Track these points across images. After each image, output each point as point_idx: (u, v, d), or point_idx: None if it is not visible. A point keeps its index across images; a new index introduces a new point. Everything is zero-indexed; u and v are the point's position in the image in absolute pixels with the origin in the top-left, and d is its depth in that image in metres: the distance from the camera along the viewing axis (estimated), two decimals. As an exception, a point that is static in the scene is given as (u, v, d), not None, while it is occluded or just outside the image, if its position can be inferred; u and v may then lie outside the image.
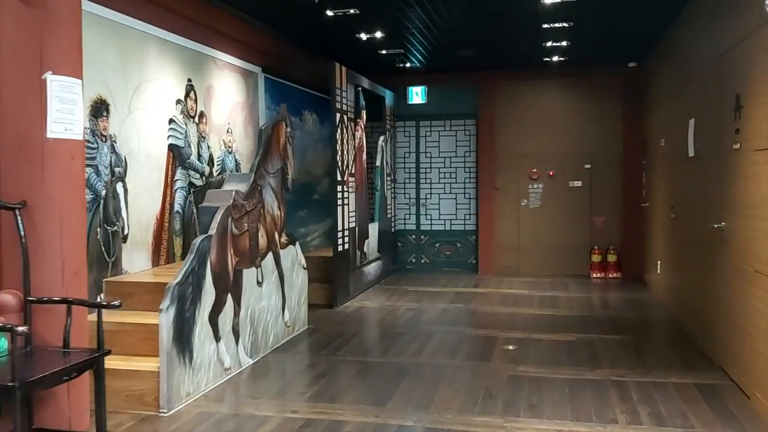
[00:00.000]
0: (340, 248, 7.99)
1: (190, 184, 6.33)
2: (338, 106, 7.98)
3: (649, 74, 9.54)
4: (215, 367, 4.94)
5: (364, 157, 9.25)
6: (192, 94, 6.38)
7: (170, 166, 6.03)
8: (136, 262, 5.52)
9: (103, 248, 5.09)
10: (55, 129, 3.77)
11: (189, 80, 6.35)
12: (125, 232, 5.35)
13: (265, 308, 5.81)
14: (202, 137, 6.57)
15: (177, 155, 6.12)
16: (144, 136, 5.62)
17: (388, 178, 10.45)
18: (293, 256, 6.49)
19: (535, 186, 10.76)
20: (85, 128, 4.87)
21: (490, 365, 5.52)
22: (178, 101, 6.17)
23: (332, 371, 5.34)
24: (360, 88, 8.96)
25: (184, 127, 6.23)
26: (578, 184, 10.62)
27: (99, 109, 5.04)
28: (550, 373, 5.24)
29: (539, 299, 8.57)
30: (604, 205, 10.55)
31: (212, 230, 4.95)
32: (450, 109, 11.05)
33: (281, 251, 6.18)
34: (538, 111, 10.72)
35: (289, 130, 6.27)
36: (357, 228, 8.75)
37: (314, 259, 8.83)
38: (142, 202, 5.62)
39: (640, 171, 10.03)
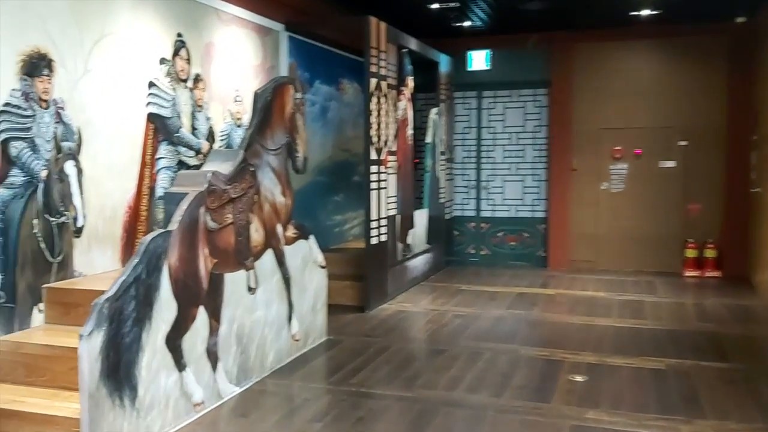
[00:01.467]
0: (374, 240, 6.69)
1: (180, 163, 5.16)
2: (374, 69, 6.64)
3: (763, 31, 7.73)
4: (178, 404, 3.76)
5: (409, 131, 7.87)
6: (183, 53, 5.18)
7: (150, 141, 4.87)
8: (96, 261, 4.40)
9: (42, 245, 3.98)
10: None
11: (179, 35, 5.15)
12: (78, 223, 4.22)
13: (260, 320, 4.59)
14: (197, 106, 5.38)
15: (160, 127, 4.95)
16: (108, 102, 4.46)
17: (442, 157, 9.04)
18: (305, 253, 5.24)
19: (618, 167, 9.12)
20: (14, 89, 3.75)
21: (548, 409, 4.12)
22: (163, 61, 4.98)
23: (336, 410, 4.07)
24: (405, 51, 7.58)
25: (170, 92, 5.04)
26: (670, 164, 8.91)
27: (36, 65, 3.90)
28: (631, 426, 3.81)
29: (619, 305, 7.02)
30: (702, 191, 8.81)
31: (172, 225, 3.74)
32: (517, 77, 9.49)
33: (287, 248, 4.93)
34: (623, 78, 9.04)
35: (299, 95, 4.99)
36: (399, 216, 7.42)
37: (347, 252, 7.61)
38: (107, 185, 4.49)
39: (748, 150, 8.25)
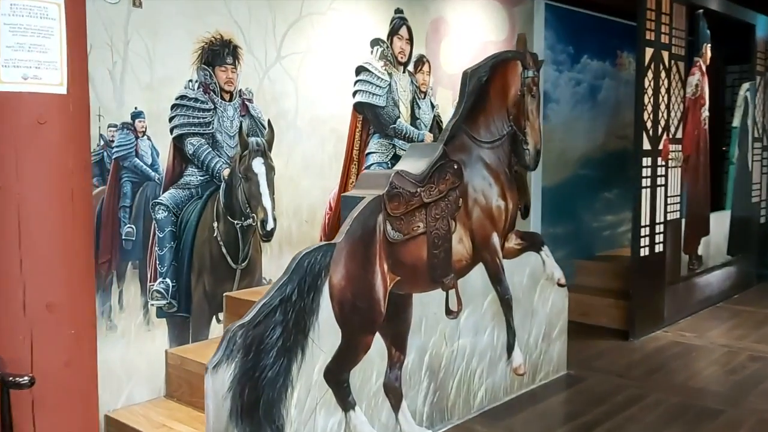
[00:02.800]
0: (644, 251, 5.36)
1: (397, 158, 4.54)
2: (649, 37, 5.27)
3: None
4: (342, 449, 3.15)
5: (704, 113, 6.22)
6: (403, 31, 4.54)
7: (358, 134, 4.33)
8: (288, 267, 3.99)
9: (225, 250, 3.66)
10: (6, 76, 2.37)
11: (398, 11, 4.51)
12: (268, 226, 3.84)
13: (464, 350, 3.77)
14: (420, 92, 4.70)
15: (371, 118, 4.38)
16: (306, 91, 4.01)
17: (757, 146, 7.11)
18: (535, 268, 4.24)
19: None
20: (192, 81, 3.46)
21: None
22: (376, 42, 4.40)
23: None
24: (700, 12, 5.98)
25: (385, 78, 4.44)
26: None
27: (218, 53, 3.57)
28: None
29: None
30: None
31: (339, 237, 3.11)
32: None
33: (507, 262, 4.01)
34: None
35: (530, 73, 4.00)
36: (684, 219, 5.92)
37: (617, 261, 6.35)
38: (303, 184, 4.05)
39: None
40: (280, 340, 2.87)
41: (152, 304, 3.40)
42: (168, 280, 3.43)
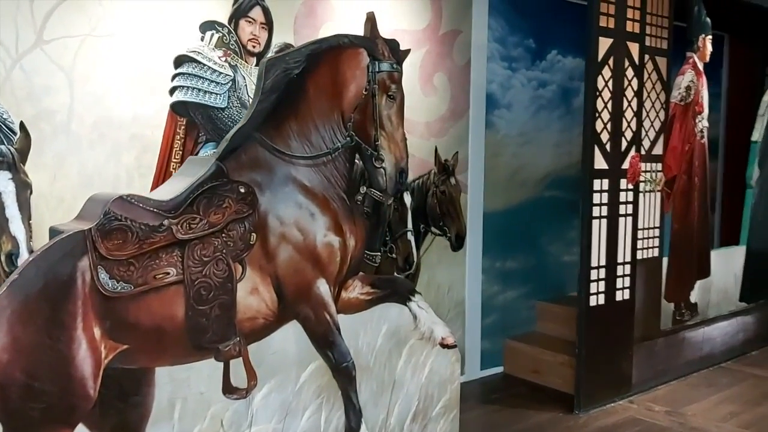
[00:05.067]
0: (597, 299, 4.16)
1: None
2: (606, 23, 4.08)
3: None
4: None
5: (701, 124, 4.89)
6: (255, 14, 3.53)
7: (179, 141, 3.34)
8: None
9: None
10: None
11: None
12: (19, 261, 2.91)
13: (261, 442, 2.74)
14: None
15: (205, 122, 3.35)
16: (87, 88, 3.11)
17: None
18: (398, 325, 3.11)
19: None
20: None
21: None
22: (210, 26, 3.43)
23: None
24: (696, -7, 4.73)
25: (225, 72, 3.42)
26: None
27: None
28: None
29: None
30: None
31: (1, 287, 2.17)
32: None
33: (348, 316, 2.96)
34: None
35: (384, 66, 2.91)
36: (668, 258, 4.66)
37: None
38: (81, 205, 3.13)
39: None
40: None
41: None
42: None
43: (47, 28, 2.96)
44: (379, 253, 3.95)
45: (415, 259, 4.09)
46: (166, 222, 2.44)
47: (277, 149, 2.72)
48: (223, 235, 2.57)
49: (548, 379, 4.64)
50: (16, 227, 2.78)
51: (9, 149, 2.82)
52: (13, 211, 2.79)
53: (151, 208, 2.43)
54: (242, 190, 2.62)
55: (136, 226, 2.38)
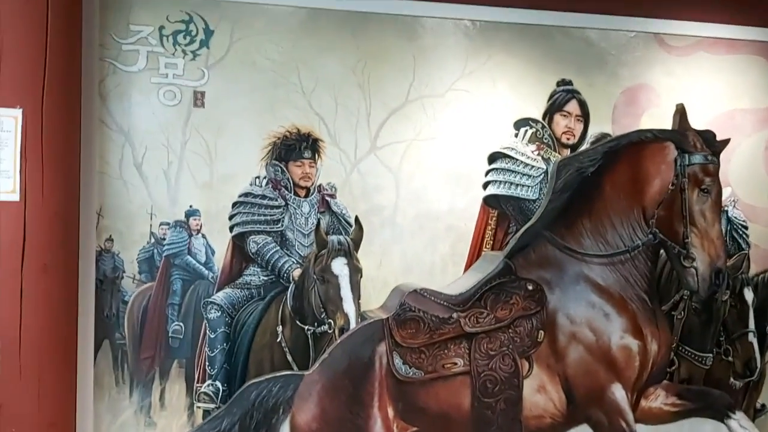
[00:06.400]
0: None
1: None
2: None
3: None
4: None
5: None
6: (571, 107, 3.59)
7: (490, 232, 3.55)
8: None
9: (290, 357, 3.34)
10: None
11: (563, 83, 3.60)
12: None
13: None
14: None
15: (516, 214, 3.52)
16: (409, 185, 3.52)
17: None
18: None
19: None
20: (258, 177, 3.36)
21: None
22: (524, 123, 3.58)
23: None
24: None
25: (538, 165, 3.54)
26: None
27: (293, 148, 3.36)
28: None
29: None
30: None
31: (312, 367, 2.54)
32: None
33: (649, 427, 2.74)
34: None
35: (696, 159, 2.71)
36: None
37: None
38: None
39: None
40: (211, 482, 2.47)
41: (198, 407, 3.29)
42: (218, 384, 3.28)
43: (380, 136, 3.46)
44: (710, 355, 3.61)
45: (758, 365, 3.64)
46: (455, 315, 2.62)
47: (567, 247, 2.72)
48: (510, 330, 2.64)
49: None
50: (349, 306, 3.26)
51: (346, 239, 3.34)
52: (346, 292, 3.29)
53: (442, 302, 2.63)
54: (530, 288, 2.67)
55: (428, 317, 2.60)
